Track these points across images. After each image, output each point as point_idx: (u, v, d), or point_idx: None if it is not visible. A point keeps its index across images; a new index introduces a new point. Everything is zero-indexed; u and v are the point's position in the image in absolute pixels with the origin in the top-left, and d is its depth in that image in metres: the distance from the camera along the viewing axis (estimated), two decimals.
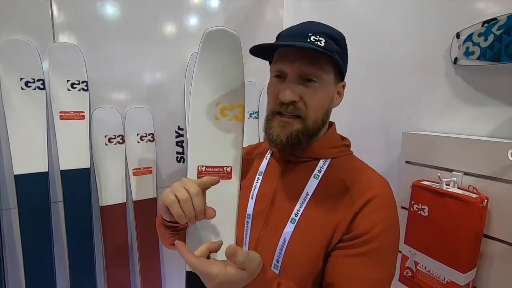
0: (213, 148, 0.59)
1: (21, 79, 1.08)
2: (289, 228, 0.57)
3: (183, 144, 1.46)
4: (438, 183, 0.87)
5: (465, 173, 0.86)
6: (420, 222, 0.91)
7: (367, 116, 1.25)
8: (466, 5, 0.92)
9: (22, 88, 1.09)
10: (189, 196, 0.47)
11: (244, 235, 0.65)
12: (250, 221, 0.64)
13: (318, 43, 0.55)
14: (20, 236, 1.09)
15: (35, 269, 1.11)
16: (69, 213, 1.17)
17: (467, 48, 0.89)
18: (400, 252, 0.96)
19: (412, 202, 0.93)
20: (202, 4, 1.45)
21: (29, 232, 1.09)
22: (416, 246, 0.93)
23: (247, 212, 0.65)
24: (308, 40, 0.55)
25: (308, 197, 0.59)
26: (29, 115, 1.10)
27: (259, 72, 1.54)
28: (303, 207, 0.58)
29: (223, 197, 0.57)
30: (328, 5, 1.42)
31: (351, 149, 0.68)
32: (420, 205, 0.91)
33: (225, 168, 0.59)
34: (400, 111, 1.12)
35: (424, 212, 0.90)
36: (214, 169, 0.59)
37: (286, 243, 0.57)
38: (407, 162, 1.02)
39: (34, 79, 1.11)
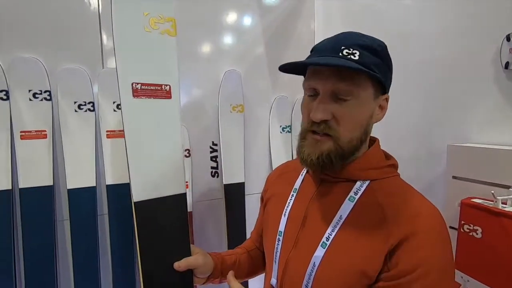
0: (147, 63, 0.54)
1: (74, 102, 1.21)
2: (319, 252, 0.54)
3: (217, 159, 1.50)
4: (492, 201, 0.78)
5: None
6: (472, 245, 0.82)
7: (406, 126, 1.17)
8: None
9: (75, 111, 1.21)
10: None
11: (275, 252, 0.63)
12: (281, 238, 0.62)
13: (352, 56, 0.50)
14: (71, 244, 1.19)
15: (83, 275, 1.20)
16: (112, 225, 1.26)
17: None
18: None
19: (462, 222, 0.84)
20: (235, 22, 1.51)
21: (78, 241, 1.19)
22: (469, 272, 0.83)
23: (279, 229, 0.63)
24: (341, 54, 0.50)
25: (342, 220, 0.54)
26: (81, 134, 1.22)
27: (291, 85, 1.54)
28: (335, 231, 0.54)
29: (165, 119, 0.52)
30: (361, 12, 1.38)
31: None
32: (472, 225, 0.81)
33: (163, 87, 0.55)
34: (444, 121, 1.04)
35: (477, 234, 0.80)
36: (151, 87, 0.54)
37: (315, 268, 0.54)
38: (454, 177, 0.93)
39: (85, 102, 1.23)
